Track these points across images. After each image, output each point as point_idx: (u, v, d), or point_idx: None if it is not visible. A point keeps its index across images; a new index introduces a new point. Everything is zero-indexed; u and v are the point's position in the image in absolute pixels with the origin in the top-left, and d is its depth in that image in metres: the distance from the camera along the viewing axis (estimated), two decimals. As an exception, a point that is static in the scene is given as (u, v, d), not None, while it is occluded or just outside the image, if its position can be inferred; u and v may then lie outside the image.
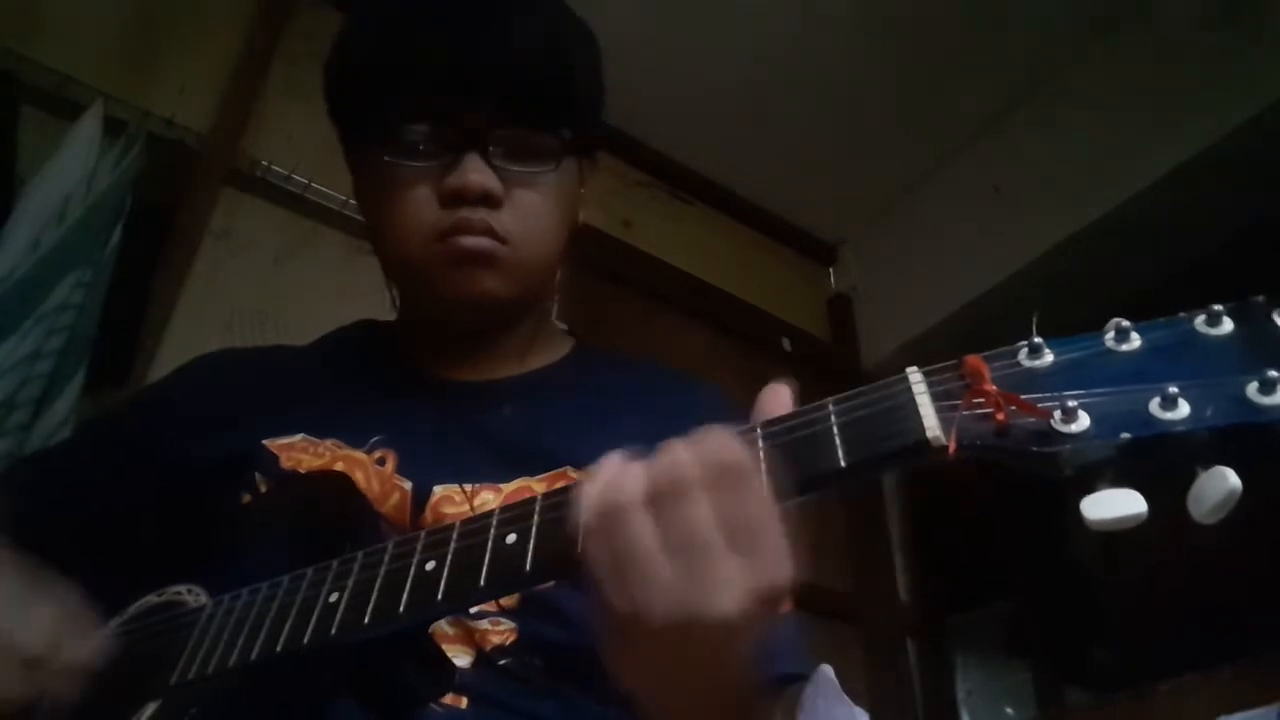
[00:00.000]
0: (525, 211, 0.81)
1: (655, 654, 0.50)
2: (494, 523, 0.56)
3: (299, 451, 0.80)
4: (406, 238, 0.81)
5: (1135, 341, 0.44)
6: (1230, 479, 0.39)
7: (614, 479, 0.51)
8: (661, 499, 0.49)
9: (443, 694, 0.69)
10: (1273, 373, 0.39)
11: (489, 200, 0.79)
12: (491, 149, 0.80)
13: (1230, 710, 1.63)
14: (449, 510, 0.75)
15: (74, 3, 1.89)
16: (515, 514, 0.56)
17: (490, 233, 0.79)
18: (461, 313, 0.85)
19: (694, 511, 0.48)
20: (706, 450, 0.50)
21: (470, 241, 0.79)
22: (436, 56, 0.80)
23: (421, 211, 0.80)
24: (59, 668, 0.67)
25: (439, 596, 0.55)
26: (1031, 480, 0.44)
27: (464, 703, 0.69)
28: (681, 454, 0.50)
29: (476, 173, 0.78)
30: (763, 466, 0.50)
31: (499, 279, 0.81)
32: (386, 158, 0.81)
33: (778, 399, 0.54)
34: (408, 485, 0.77)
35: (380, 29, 0.85)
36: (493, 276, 0.81)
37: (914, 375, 0.48)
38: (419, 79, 0.80)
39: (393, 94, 0.81)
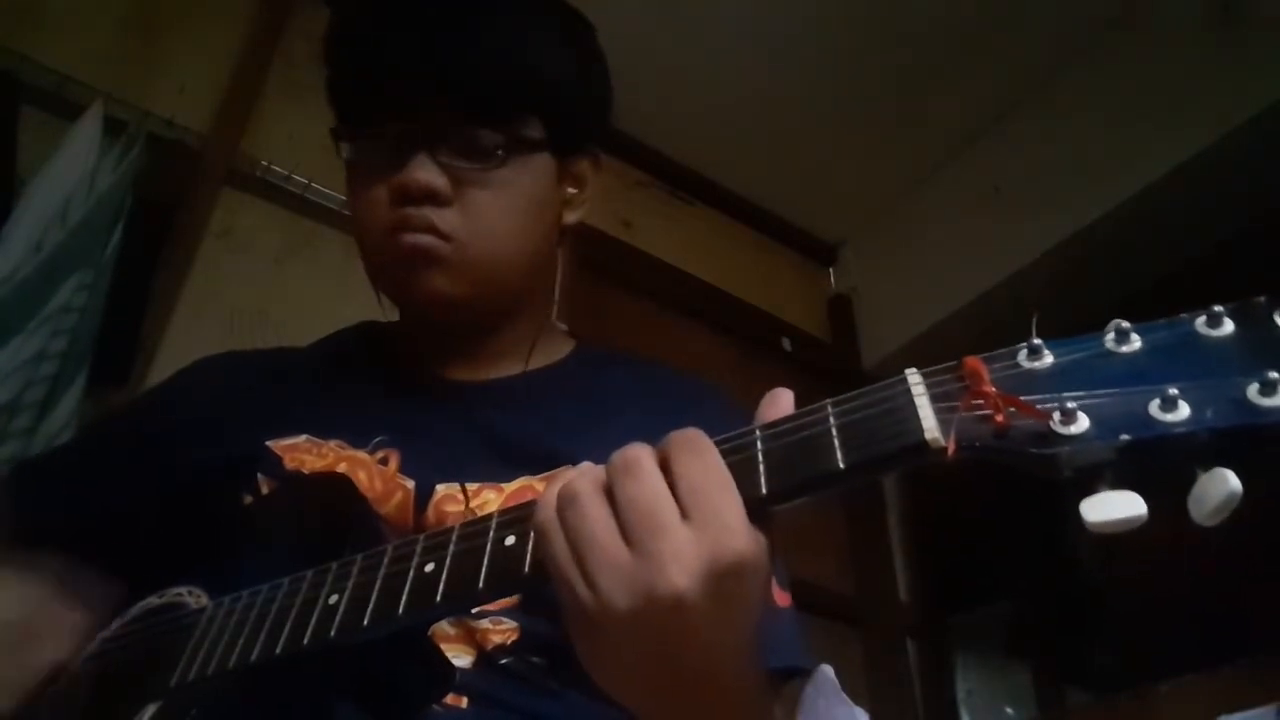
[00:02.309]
0: (475, 209, 0.81)
1: (626, 647, 0.50)
2: (493, 525, 0.56)
3: (302, 452, 0.80)
4: (364, 235, 0.84)
5: (1135, 343, 0.44)
6: (1231, 481, 0.39)
7: (571, 476, 0.52)
8: (615, 483, 0.50)
9: (443, 695, 0.68)
10: (1273, 374, 0.39)
11: (435, 198, 0.79)
12: (442, 147, 0.80)
13: (1230, 710, 1.63)
14: (451, 510, 0.75)
15: (74, 2, 1.89)
16: (514, 516, 0.56)
17: (433, 230, 0.79)
18: (418, 311, 0.86)
19: (645, 488, 0.49)
20: (663, 439, 0.51)
21: (411, 239, 0.79)
22: (386, 57, 0.80)
23: (376, 209, 0.81)
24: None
25: (438, 598, 0.55)
26: (1031, 481, 0.44)
27: (464, 703, 0.69)
28: (635, 444, 0.51)
29: (420, 170, 0.79)
30: (761, 467, 0.49)
31: (447, 277, 0.80)
32: (346, 157, 0.84)
33: (779, 404, 0.53)
34: (410, 485, 0.77)
35: (342, 32, 0.86)
36: (440, 275, 0.80)
37: (913, 377, 0.48)
38: (371, 80, 0.81)
39: (353, 95, 0.84)
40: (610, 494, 0.50)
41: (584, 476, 0.51)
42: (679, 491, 0.48)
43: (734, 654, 0.51)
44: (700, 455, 0.50)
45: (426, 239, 0.79)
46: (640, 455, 0.50)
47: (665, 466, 0.50)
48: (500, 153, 0.81)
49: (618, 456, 0.51)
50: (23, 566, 0.76)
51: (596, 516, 0.49)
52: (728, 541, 0.47)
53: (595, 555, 0.48)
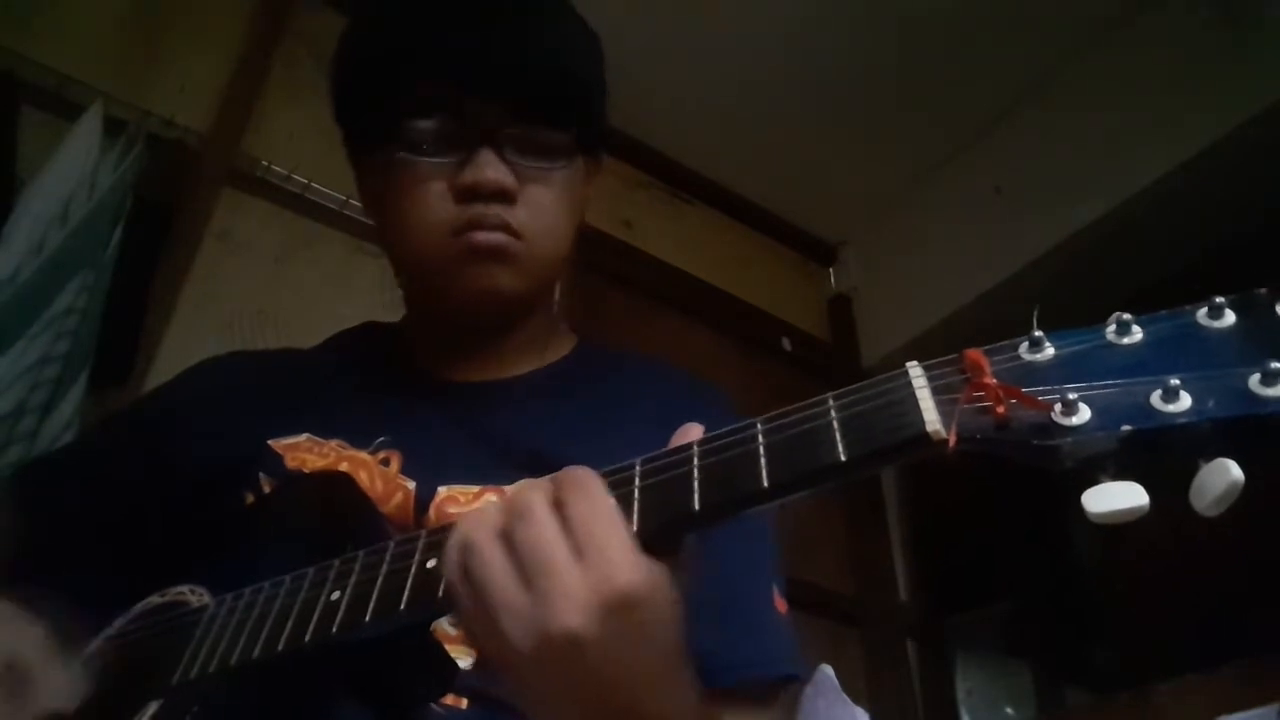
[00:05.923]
0: (539, 207, 0.81)
1: (536, 685, 0.50)
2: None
3: (304, 451, 0.80)
4: (421, 234, 0.81)
5: (1137, 334, 0.44)
6: (1233, 471, 0.39)
7: (470, 519, 0.52)
8: (510, 527, 0.50)
9: (444, 694, 0.69)
10: (1275, 364, 0.39)
11: (504, 196, 0.79)
12: (505, 144, 0.80)
13: (1230, 710, 1.63)
14: (452, 511, 0.75)
15: (74, 3, 1.88)
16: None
17: (506, 228, 0.79)
18: (474, 308, 0.85)
19: (536, 530, 0.49)
20: (556, 475, 0.52)
21: (485, 237, 0.79)
22: (451, 51, 0.79)
23: (436, 207, 0.80)
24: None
25: (440, 594, 0.55)
26: (1032, 476, 0.44)
27: (464, 703, 0.69)
28: (531, 482, 0.52)
29: (492, 168, 0.78)
30: (763, 460, 0.49)
31: (513, 275, 0.81)
32: (400, 154, 0.81)
33: (688, 434, 0.54)
34: (411, 485, 0.77)
35: (391, 25, 0.85)
36: (507, 272, 0.81)
37: (914, 369, 0.48)
38: (433, 73, 0.80)
39: (406, 89, 0.81)
40: (507, 538, 0.50)
41: (481, 524, 0.52)
42: (570, 530, 0.49)
43: (649, 686, 0.51)
44: (586, 493, 0.50)
45: (500, 237, 0.79)
46: (532, 498, 0.51)
47: (555, 506, 0.50)
48: (566, 153, 0.83)
49: (510, 501, 0.51)
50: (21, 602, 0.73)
51: (492, 562, 0.50)
52: (613, 576, 0.48)
53: (494, 599, 0.49)
